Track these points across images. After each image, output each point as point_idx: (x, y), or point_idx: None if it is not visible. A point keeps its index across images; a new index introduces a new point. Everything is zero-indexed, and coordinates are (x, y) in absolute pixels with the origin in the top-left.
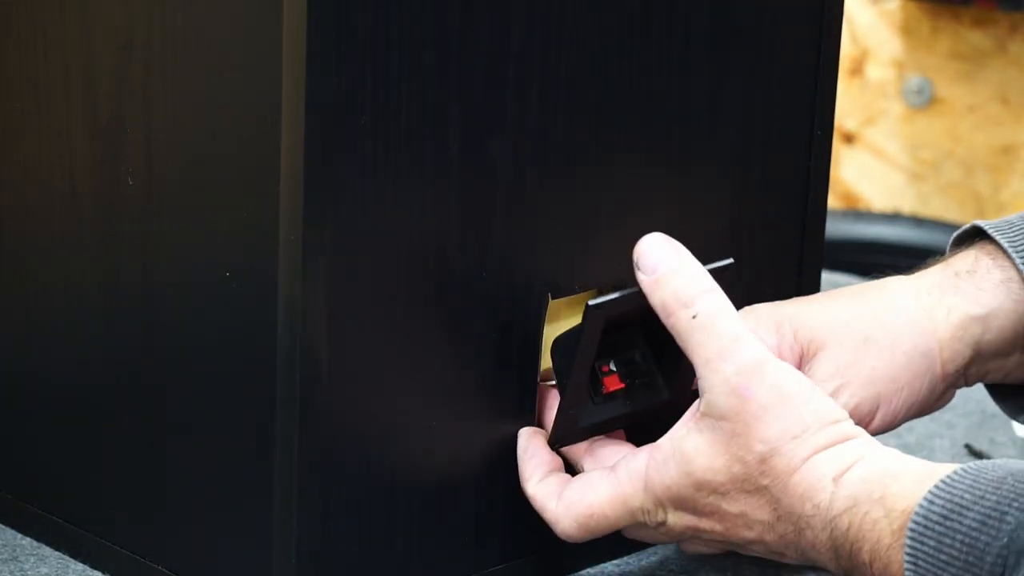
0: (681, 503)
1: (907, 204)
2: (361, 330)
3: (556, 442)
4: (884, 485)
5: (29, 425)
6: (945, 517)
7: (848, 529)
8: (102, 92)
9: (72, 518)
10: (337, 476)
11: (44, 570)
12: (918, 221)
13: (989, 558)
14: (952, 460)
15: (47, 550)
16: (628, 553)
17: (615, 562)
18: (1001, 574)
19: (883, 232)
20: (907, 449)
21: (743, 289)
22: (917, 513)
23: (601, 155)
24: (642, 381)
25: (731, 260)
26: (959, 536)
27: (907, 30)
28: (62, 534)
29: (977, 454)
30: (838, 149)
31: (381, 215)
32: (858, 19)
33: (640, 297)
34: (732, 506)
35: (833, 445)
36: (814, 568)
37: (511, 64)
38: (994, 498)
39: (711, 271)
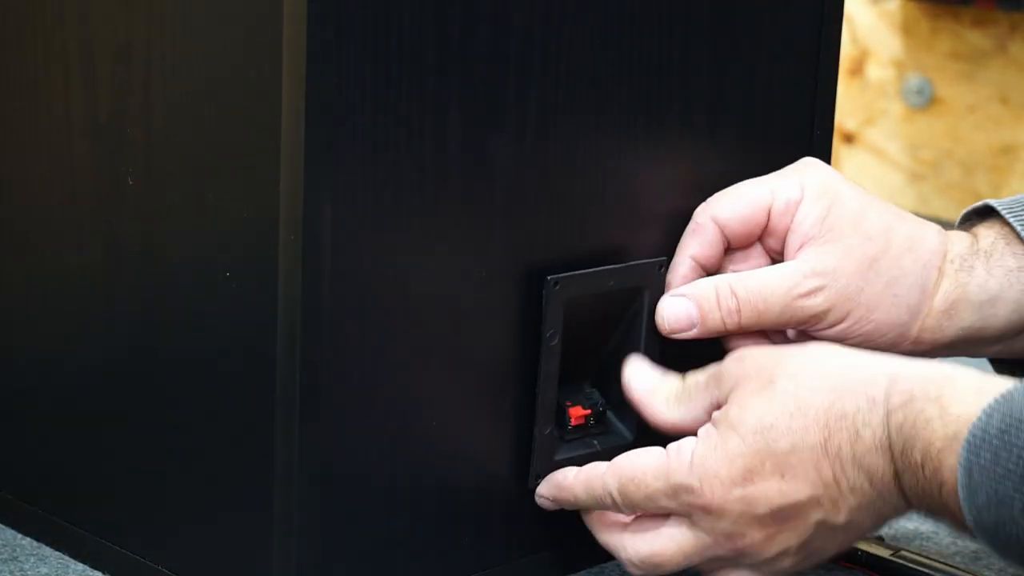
0: (731, 467)
1: (907, 204)
2: (361, 331)
3: (538, 477)
4: (941, 385)
5: (29, 425)
6: (1003, 431)
7: (903, 425)
8: (102, 92)
9: (72, 518)
10: (337, 477)
11: (44, 570)
12: None
13: None
14: None
15: (47, 550)
16: None
17: (615, 561)
18: None
19: None
20: None
21: None
22: (975, 425)
23: (601, 155)
24: (605, 410)
25: None
26: (1015, 450)
27: (907, 30)
28: (62, 534)
29: None
30: (838, 149)
31: (381, 215)
32: (858, 19)
33: (603, 279)
34: (781, 441)
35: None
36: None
37: (511, 63)
38: None
39: None
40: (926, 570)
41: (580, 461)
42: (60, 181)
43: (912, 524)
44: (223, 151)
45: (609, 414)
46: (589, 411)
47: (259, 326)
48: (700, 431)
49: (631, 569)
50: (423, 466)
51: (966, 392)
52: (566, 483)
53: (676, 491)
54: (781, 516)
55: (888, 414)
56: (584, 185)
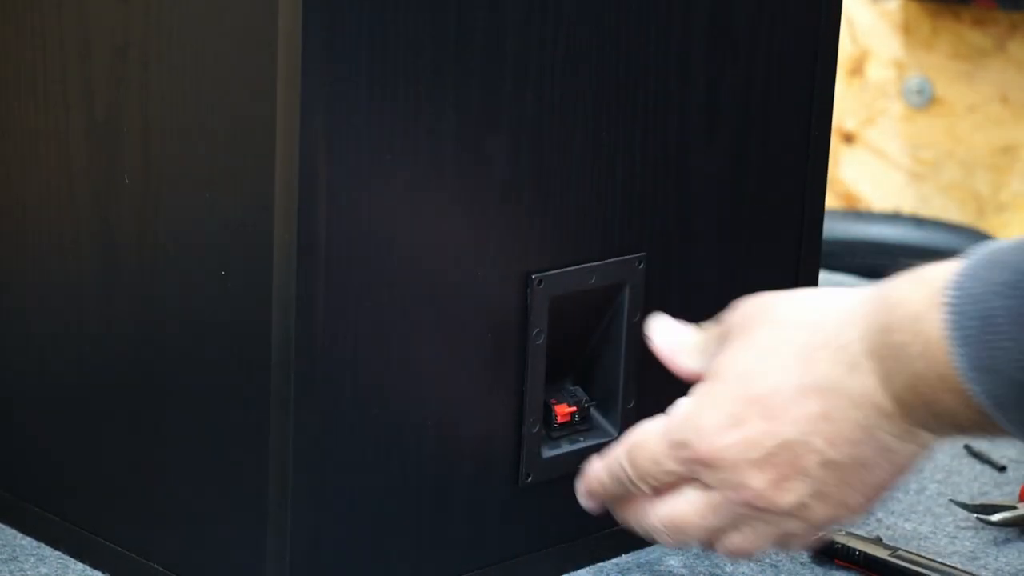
0: (718, 415)
1: (907, 204)
2: (356, 329)
3: (528, 475)
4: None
5: (29, 425)
6: (980, 268)
7: (878, 312)
8: (99, 91)
9: (72, 518)
10: (332, 476)
11: (44, 570)
12: (918, 221)
13: None
14: (952, 460)
15: (47, 550)
16: (628, 551)
17: (614, 561)
18: None
19: (883, 232)
20: None
21: (741, 290)
22: (952, 279)
23: (599, 156)
24: (591, 406)
25: None
26: (1006, 264)
27: (907, 30)
28: (62, 534)
29: (976, 455)
30: (838, 149)
31: (377, 214)
32: (858, 19)
33: (585, 275)
34: (759, 384)
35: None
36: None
37: (508, 63)
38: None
39: None
40: (923, 570)
41: (567, 459)
42: (58, 180)
43: (910, 524)
44: (219, 150)
45: (593, 411)
46: (575, 408)
47: (255, 324)
48: (694, 387)
49: (661, 538)
50: (417, 465)
51: (937, 269)
52: (592, 472)
53: (675, 448)
54: (777, 460)
55: (864, 317)
56: (583, 188)
